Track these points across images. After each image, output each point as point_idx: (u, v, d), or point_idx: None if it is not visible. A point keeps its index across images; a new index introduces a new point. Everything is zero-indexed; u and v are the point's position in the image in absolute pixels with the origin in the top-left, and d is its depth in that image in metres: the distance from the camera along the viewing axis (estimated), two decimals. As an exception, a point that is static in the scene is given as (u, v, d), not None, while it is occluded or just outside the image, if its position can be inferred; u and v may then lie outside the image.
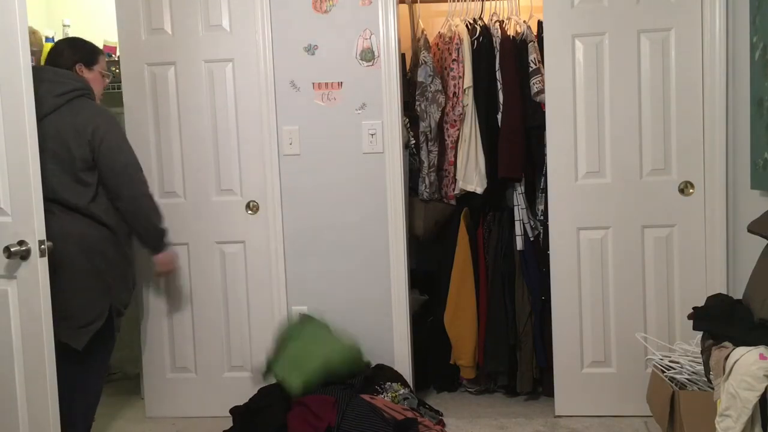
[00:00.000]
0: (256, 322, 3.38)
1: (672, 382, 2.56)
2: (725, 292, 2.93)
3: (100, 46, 3.88)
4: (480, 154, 3.40)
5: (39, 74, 2.51)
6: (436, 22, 3.75)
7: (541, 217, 3.41)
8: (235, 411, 3.06)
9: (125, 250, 2.89)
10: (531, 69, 3.31)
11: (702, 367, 2.37)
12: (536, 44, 3.33)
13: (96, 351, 2.76)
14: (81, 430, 2.79)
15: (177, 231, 3.35)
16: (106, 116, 2.79)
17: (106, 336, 2.81)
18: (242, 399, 3.11)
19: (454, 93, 3.41)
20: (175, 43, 3.31)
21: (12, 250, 2.22)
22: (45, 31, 3.83)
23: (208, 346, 3.41)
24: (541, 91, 3.25)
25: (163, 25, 3.31)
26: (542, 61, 3.23)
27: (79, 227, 2.69)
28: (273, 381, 3.10)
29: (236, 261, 3.37)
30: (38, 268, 2.26)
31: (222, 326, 3.40)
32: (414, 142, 3.50)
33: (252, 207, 3.34)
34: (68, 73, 2.77)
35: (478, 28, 3.43)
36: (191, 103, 3.33)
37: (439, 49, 3.56)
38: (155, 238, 2.97)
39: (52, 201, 2.56)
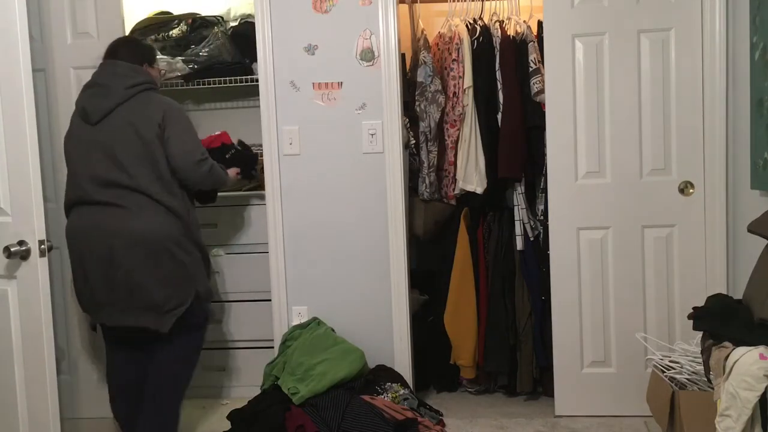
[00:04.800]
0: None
1: (672, 382, 2.55)
2: (725, 292, 2.92)
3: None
4: (480, 154, 3.40)
5: (113, 68, 2.77)
6: (436, 22, 3.75)
7: (541, 217, 3.41)
8: (232, 416, 3.04)
9: (197, 237, 2.90)
10: (531, 69, 3.31)
11: (702, 367, 2.36)
12: (536, 44, 3.33)
13: (186, 335, 2.84)
14: (171, 419, 2.86)
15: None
16: (174, 106, 2.84)
17: (195, 322, 2.87)
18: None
19: (454, 93, 3.41)
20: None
21: (12, 250, 2.23)
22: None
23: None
24: (541, 91, 3.25)
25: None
26: (542, 61, 3.23)
27: (158, 219, 2.72)
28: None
29: (236, 261, 3.37)
30: (38, 268, 2.26)
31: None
32: (414, 142, 3.50)
33: (252, 207, 3.35)
34: (139, 68, 2.83)
35: (478, 28, 3.43)
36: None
37: (439, 49, 3.56)
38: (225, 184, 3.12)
39: (134, 190, 2.66)
